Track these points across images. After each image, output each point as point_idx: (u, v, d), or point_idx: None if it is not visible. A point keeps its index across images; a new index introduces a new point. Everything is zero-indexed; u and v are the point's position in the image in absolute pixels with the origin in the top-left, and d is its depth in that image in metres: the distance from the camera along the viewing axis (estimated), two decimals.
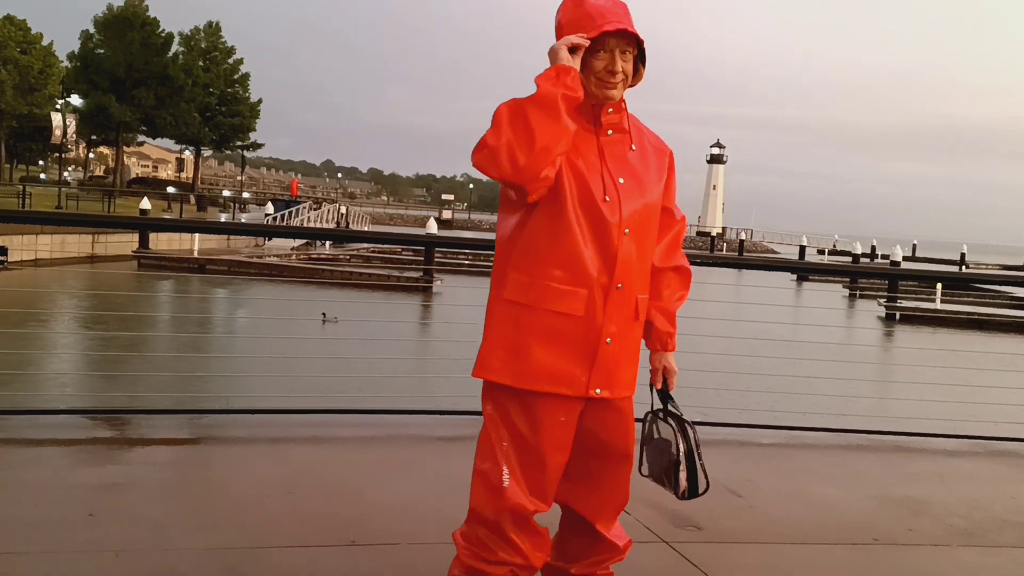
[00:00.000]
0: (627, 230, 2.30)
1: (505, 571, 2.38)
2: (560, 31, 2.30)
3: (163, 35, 58.59)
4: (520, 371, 2.30)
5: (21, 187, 41.73)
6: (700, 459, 2.45)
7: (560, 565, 2.55)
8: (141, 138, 71.56)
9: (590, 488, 2.46)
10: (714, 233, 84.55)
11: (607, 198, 2.28)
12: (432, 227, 33.10)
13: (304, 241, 37.70)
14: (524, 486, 2.34)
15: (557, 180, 2.24)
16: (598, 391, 2.33)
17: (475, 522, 2.40)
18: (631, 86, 2.34)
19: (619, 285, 2.31)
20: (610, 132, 2.34)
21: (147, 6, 58.33)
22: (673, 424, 2.50)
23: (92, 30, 57.48)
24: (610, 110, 2.33)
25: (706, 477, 2.46)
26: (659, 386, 2.54)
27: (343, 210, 56.39)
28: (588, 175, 2.27)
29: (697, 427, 5.57)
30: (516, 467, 2.34)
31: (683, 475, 2.45)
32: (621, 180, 2.31)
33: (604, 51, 2.26)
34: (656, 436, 2.54)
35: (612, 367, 2.34)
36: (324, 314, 17.18)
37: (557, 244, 2.27)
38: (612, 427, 2.41)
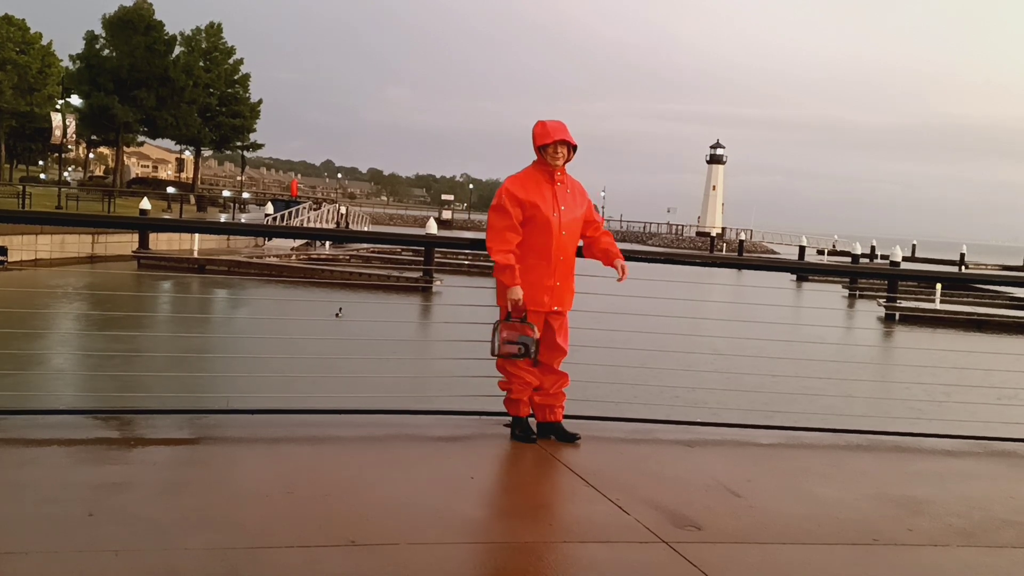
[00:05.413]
0: (564, 232, 4.59)
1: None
2: (535, 139, 4.59)
3: (167, 38, 58.63)
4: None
5: (21, 187, 41.72)
6: (495, 340, 4.58)
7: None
8: (141, 138, 71.48)
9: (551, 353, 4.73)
10: (714, 233, 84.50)
11: (555, 215, 4.56)
12: (432, 227, 33.10)
13: (304, 241, 37.71)
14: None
15: (531, 212, 4.52)
16: (556, 308, 4.66)
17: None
18: (568, 161, 4.64)
19: (562, 257, 4.62)
20: (558, 184, 4.61)
21: (152, 6, 58.36)
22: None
23: (98, 31, 57.53)
24: (558, 173, 4.61)
25: (493, 351, 4.60)
26: (622, 278, 4.75)
27: (343, 210, 56.39)
28: (544, 207, 4.54)
29: (697, 427, 5.60)
30: None
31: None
32: (563, 207, 4.59)
33: (553, 146, 4.56)
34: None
35: (560, 297, 4.65)
36: (341, 308, 17.60)
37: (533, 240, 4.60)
38: (561, 324, 4.73)
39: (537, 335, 4.54)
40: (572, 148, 4.62)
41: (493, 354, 4.60)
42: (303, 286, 25.06)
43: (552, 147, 4.55)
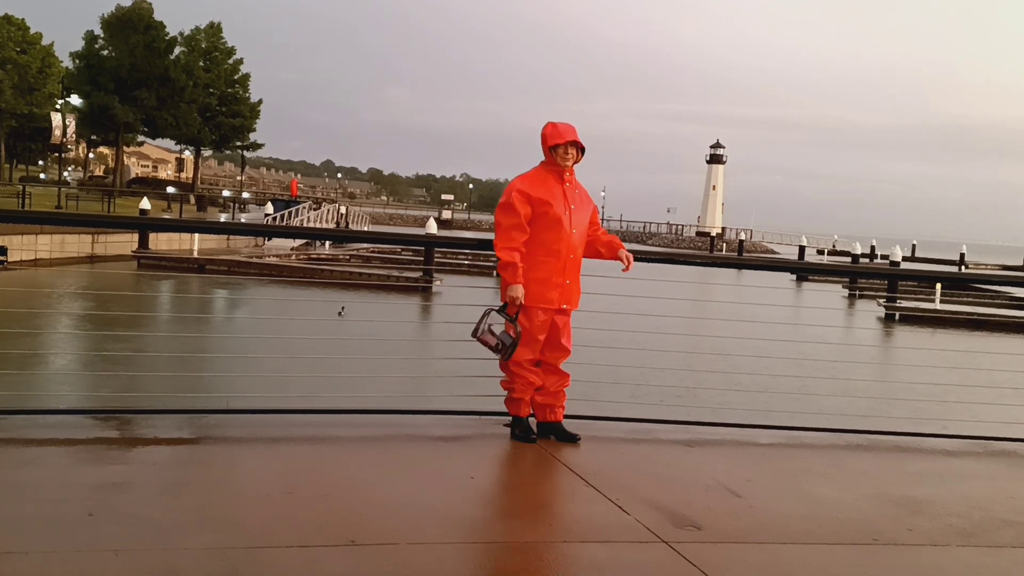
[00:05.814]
0: (575, 231, 4.68)
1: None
2: (545, 140, 4.67)
3: (167, 38, 58.62)
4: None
5: (21, 187, 41.71)
6: (481, 324, 4.65)
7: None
8: (141, 138, 71.45)
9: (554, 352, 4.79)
10: (713, 233, 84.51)
11: (566, 214, 4.64)
12: (432, 227, 33.08)
13: (304, 241, 37.73)
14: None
15: (543, 208, 4.58)
16: (564, 306, 4.71)
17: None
18: (576, 163, 4.72)
19: (572, 256, 4.68)
20: (567, 184, 4.69)
21: (151, 6, 58.33)
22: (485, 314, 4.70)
23: (97, 31, 57.51)
24: (567, 173, 4.69)
25: (475, 332, 4.65)
26: (628, 269, 4.84)
27: (343, 210, 56.43)
28: (556, 205, 4.60)
29: (697, 427, 5.63)
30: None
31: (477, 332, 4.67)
32: (573, 206, 4.68)
33: (564, 147, 4.64)
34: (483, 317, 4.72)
35: (568, 295, 4.70)
36: (343, 307, 17.76)
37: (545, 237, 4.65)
38: (565, 323, 4.78)
39: (516, 336, 4.57)
40: (580, 150, 4.73)
41: (472, 335, 4.68)
42: (303, 286, 25.06)
43: (563, 148, 4.65)
